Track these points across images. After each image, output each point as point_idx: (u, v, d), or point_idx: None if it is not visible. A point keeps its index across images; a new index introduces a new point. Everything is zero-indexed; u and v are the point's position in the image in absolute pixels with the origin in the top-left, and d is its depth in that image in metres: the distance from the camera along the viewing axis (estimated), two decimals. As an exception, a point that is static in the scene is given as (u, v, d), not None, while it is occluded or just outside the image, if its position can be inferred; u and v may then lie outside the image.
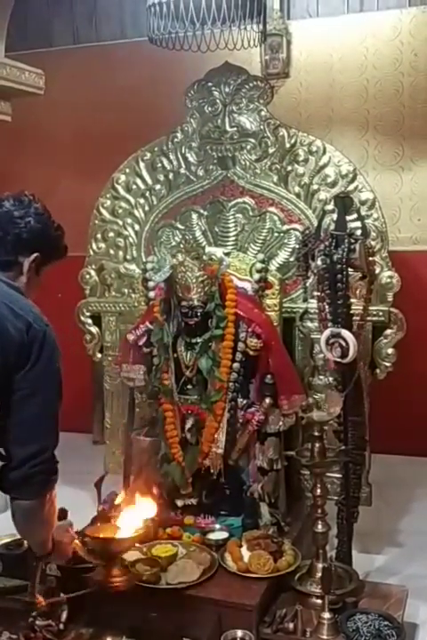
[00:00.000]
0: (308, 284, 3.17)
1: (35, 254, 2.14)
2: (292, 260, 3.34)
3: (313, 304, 3.14)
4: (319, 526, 2.74)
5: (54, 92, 4.42)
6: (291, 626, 2.52)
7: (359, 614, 2.53)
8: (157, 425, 3.10)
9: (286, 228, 3.40)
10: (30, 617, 2.51)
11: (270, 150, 3.42)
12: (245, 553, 2.75)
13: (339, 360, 2.92)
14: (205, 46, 3.29)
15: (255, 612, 2.54)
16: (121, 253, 3.68)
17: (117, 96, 4.98)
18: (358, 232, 3.01)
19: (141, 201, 3.64)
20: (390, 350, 3.23)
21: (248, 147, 3.45)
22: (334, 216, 3.06)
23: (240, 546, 2.81)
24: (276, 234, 3.42)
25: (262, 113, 3.43)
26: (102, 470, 3.52)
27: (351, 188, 3.29)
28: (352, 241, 2.90)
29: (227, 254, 3.24)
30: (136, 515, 2.52)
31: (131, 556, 2.74)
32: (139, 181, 3.64)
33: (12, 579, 2.81)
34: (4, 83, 3.79)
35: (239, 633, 2.48)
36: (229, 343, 3.02)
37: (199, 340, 3.05)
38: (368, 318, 3.14)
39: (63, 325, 4.40)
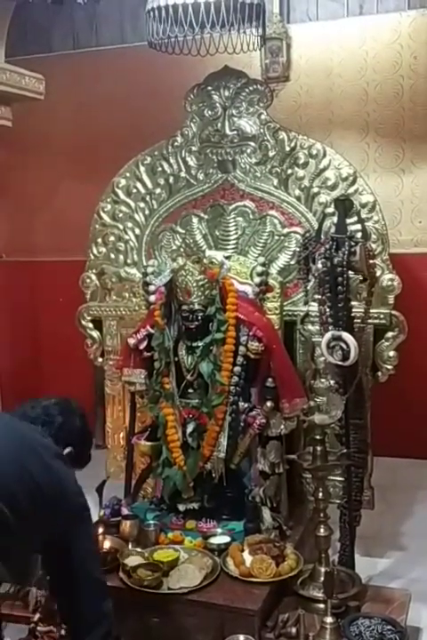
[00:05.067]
0: (308, 288, 3.17)
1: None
2: (292, 263, 3.34)
3: (314, 307, 3.14)
4: (321, 530, 2.74)
5: (54, 96, 4.42)
6: (293, 630, 2.52)
7: (362, 619, 2.52)
8: (159, 429, 3.09)
9: (286, 231, 3.40)
10: (32, 622, 2.51)
11: (270, 153, 3.41)
12: (247, 557, 2.74)
13: (340, 363, 2.91)
14: (204, 50, 3.28)
15: (257, 616, 2.54)
16: (121, 257, 3.67)
17: (117, 100, 4.99)
18: (359, 235, 3.02)
19: (142, 205, 3.63)
20: (391, 353, 3.22)
21: (248, 150, 3.45)
22: (335, 219, 3.06)
23: (242, 550, 2.80)
24: (276, 237, 3.42)
25: (262, 116, 3.42)
26: (104, 475, 3.51)
27: (352, 190, 3.28)
28: (353, 244, 2.90)
29: (227, 258, 3.24)
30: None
31: (132, 560, 2.74)
32: (139, 185, 3.63)
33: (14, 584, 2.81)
34: (5, 88, 3.80)
35: (241, 638, 2.48)
36: (230, 347, 3.01)
37: (200, 343, 3.04)
38: (369, 321, 3.14)
39: (65, 330, 4.46)
